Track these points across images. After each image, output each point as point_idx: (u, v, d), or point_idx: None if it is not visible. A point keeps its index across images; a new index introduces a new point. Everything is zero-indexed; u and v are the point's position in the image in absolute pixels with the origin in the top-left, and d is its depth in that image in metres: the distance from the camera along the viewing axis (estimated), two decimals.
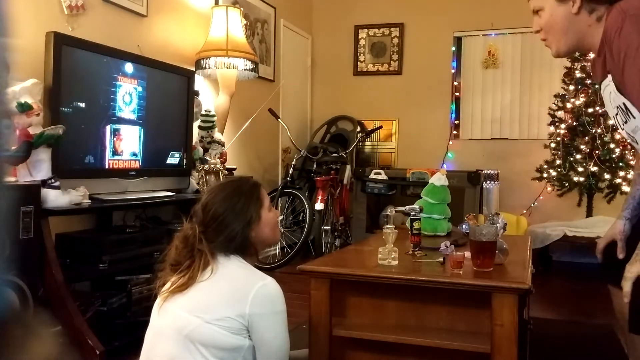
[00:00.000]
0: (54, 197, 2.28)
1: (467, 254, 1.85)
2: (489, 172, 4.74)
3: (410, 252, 2.05)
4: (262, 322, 1.46)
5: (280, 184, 4.66)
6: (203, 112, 3.50)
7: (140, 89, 2.89)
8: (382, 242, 1.94)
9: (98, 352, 2.14)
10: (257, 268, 1.59)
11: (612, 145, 4.52)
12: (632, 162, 4.34)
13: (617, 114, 1.59)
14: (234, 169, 3.86)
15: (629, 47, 1.41)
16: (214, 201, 1.57)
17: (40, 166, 2.33)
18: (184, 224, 1.59)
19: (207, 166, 3.35)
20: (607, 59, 1.54)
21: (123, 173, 2.80)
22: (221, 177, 3.38)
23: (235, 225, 1.55)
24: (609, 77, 1.56)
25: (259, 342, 1.47)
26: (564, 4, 1.56)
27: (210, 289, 1.47)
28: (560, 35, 1.61)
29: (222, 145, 3.64)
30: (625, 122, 1.57)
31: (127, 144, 2.83)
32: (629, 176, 4.32)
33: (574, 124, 4.68)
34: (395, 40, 5.65)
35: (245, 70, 3.78)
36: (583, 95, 4.63)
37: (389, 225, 1.92)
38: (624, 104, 1.54)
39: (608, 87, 1.59)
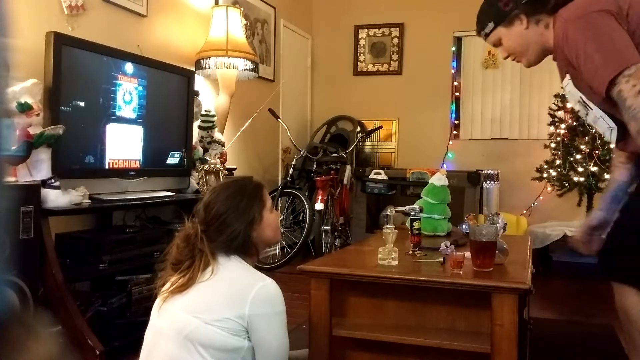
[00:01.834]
0: (54, 197, 2.28)
1: (467, 254, 1.85)
2: (489, 172, 4.73)
3: (410, 252, 2.05)
4: (261, 323, 1.46)
5: (280, 184, 4.65)
6: (203, 112, 3.50)
7: (140, 89, 2.89)
8: (382, 242, 1.94)
9: (98, 352, 2.14)
10: (257, 268, 1.59)
11: (612, 145, 4.51)
12: None
13: (579, 110, 1.77)
14: (234, 169, 3.86)
15: (578, 49, 1.59)
16: (216, 200, 1.57)
17: (40, 166, 2.33)
18: (186, 223, 1.59)
19: (207, 166, 3.35)
20: (562, 61, 1.72)
21: (123, 173, 2.80)
22: (221, 177, 3.38)
23: (237, 225, 1.55)
24: (568, 76, 1.73)
25: (259, 343, 1.47)
26: (513, 26, 1.79)
27: (210, 289, 1.47)
28: (525, 51, 1.84)
29: (222, 145, 3.64)
30: (587, 114, 1.74)
31: (127, 144, 2.83)
32: None
33: (574, 124, 4.68)
34: (395, 40, 5.65)
35: (245, 70, 3.77)
36: None
37: (389, 225, 1.92)
38: (581, 98, 1.72)
39: (567, 87, 1.77)
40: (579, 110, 1.77)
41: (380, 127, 5.33)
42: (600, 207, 1.89)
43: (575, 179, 4.64)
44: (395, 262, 1.88)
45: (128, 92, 2.82)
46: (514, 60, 1.89)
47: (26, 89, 2.29)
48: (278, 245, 4.47)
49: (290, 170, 4.62)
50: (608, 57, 1.54)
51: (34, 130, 2.29)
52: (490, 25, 1.84)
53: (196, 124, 3.47)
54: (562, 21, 1.66)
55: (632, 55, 1.52)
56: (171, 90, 3.18)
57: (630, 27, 1.58)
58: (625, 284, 1.90)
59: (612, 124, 1.67)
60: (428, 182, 2.47)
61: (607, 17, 1.59)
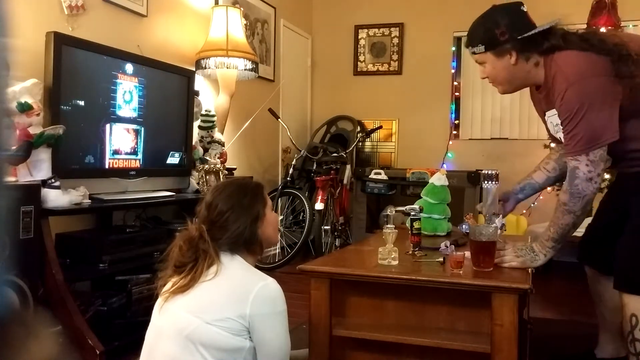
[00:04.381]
0: (54, 197, 2.28)
1: (467, 254, 1.86)
2: (488, 172, 4.72)
3: (410, 252, 2.05)
4: (262, 322, 1.46)
5: (280, 184, 4.65)
6: (203, 112, 3.50)
7: (140, 89, 2.89)
8: (382, 242, 1.94)
9: (98, 352, 2.14)
10: (257, 268, 1.59)
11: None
12: None
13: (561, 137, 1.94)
14: (234, 169, 3.86)
15: (568, 112, 1.77)
16: (219, 198, 1.57)
17: (41, 166, 2.33)
18: (189, 225, 1.58)
19: (207, 166, 3.35)
20: (551, 102, 1.87)
21: (123, 173, 2.80)
22: (221, 177, 3.38)
23: (242, 221, 1.55)
24: (554, 111, 1.88)
25: (260, 343, 1.47)
26: (503, 58, 1.87)
27: (211, 289, 1.47)
28: (505, 82, 1.94)
29: (222, 145, 3.64)
30: None
31: (127, 145, 2.83)
32: None
33: None
34: (395, 40, 5.64)
35: (245, 70, 3.77)
36: None
37: (389, 225, 1.92)
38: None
39: (551, 118, 1.93)
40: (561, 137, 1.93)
41: (380, 127, 5.33)
42: (512, 189, 2.30)
43: None
44: (395, 262, 1.89)
45: (128, 92, 2.82)
46: (490, 82, 1.99)
47: (26, 88, 2.29)
48: (278, 245, 4.47)
49: (290, 170, 4.62)
50: (586, 135, 1.76)
51: (34, 130, 2.29)
52: (481, 47, 1.89)
53: (196, 124, 3.47)
54: (565, 80, 1.78)
55: (606, 134, 1.75)
56: (171, 90, 3.18)
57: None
58: (598, 271, 2.25)
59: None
60: (428, 182, 2.47)
61: (601, 83, 1.75)
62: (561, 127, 1.85)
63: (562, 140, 1.93)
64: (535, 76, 1.90)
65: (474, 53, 1.92)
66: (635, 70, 1.76)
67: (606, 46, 1.79)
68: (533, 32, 1.83)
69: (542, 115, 2.04)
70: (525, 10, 1.89)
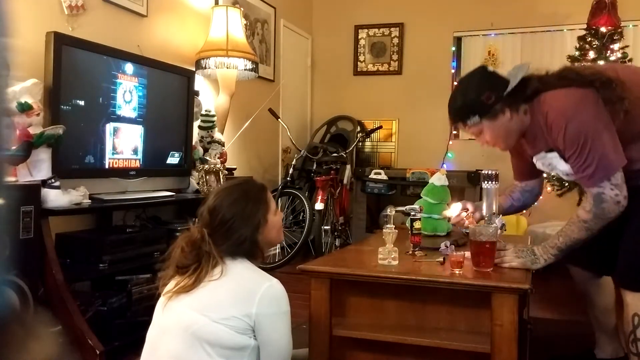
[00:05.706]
0: (54, 197, 2.28)
1: (467, 254, 1.86)
2: (487, 172, 4.71)
3: (410, 252, 2.05)
4: (268, 322, 1.47)
5: (280, 184, 4.65)
6: (203, 112, 3.50)
7: (140, 89, 2.89)
8: (382, 242, 1.94)
9: (98, 352, 2.14)
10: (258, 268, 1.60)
11: None
12: None
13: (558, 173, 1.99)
14: (234, 169, 3.86)
15: (576, 145, 1.77)
16: (221, 205, 1.56)
17: (41, 166, 2.33)
18: (191, 227, 1.58)
19: (207, 166, 3.35)
20: (544, 143, 1.91)
21: (123, 173, 2.80)
22: (221, 177, 3.37)
23: (243, 231, 1.55)
24: (543, 154, 1.94)
25: (264, 342, 1.48)
26: (497, 119, 1.89)
27: (217, 288, 1.48)
28: (506, 138, 1.97)
29: (222, 145, 3.64)
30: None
31: (127, 145, 2.83)
32: None
33: None
34: (395, 40, 5.64)
35: (245, 70, 3.77)
36: None
37: (389, 225, 1.92)
38: (557, 174, 1.97)
39: (545, 159, 1.96)
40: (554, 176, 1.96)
41: (380, 127, 5.33)
42: (479, 204, 2.20)
43: None
44: (395, 262, 1.89)
45: (128, 91, 2.82)
46: (491, 146, 2.02)
47: (26, 88, 2.29)
48: (278, 245, 4.47)
49: (290, 170, 4.62)
50: (599, 164, 1.75)
51: (34, 130, 2.29)
52: (475, 118, 1.90)
53: (196, 124, 3.47)
54: (561, 116, 1.78)
55: (617, 159, 1.75)
56: (171, 90, 3.17)
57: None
58: (588, 271, 2.27)
59: None
60: (428, 182, 2.47)
61: (596, 112, 1.75)
62: (562, 163, 1.88)
63: (561, 175, 1.96)
64: (525, 124, 1.93)
65: (468, 127, 1.95)
66: (622, 92, 1.76)
67: (585, 78, 1.81)
68: (514, 84, 1.86)
69: (529, 157, 2.06)
70: (492, 69, 1.93)
